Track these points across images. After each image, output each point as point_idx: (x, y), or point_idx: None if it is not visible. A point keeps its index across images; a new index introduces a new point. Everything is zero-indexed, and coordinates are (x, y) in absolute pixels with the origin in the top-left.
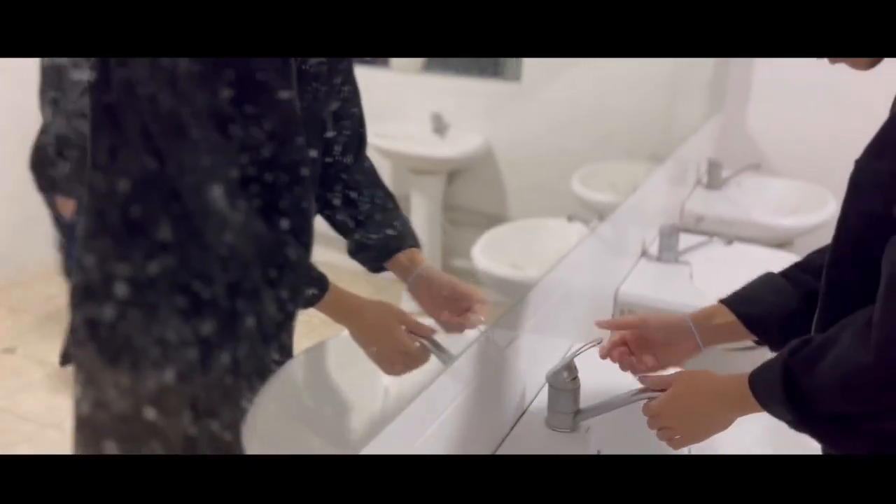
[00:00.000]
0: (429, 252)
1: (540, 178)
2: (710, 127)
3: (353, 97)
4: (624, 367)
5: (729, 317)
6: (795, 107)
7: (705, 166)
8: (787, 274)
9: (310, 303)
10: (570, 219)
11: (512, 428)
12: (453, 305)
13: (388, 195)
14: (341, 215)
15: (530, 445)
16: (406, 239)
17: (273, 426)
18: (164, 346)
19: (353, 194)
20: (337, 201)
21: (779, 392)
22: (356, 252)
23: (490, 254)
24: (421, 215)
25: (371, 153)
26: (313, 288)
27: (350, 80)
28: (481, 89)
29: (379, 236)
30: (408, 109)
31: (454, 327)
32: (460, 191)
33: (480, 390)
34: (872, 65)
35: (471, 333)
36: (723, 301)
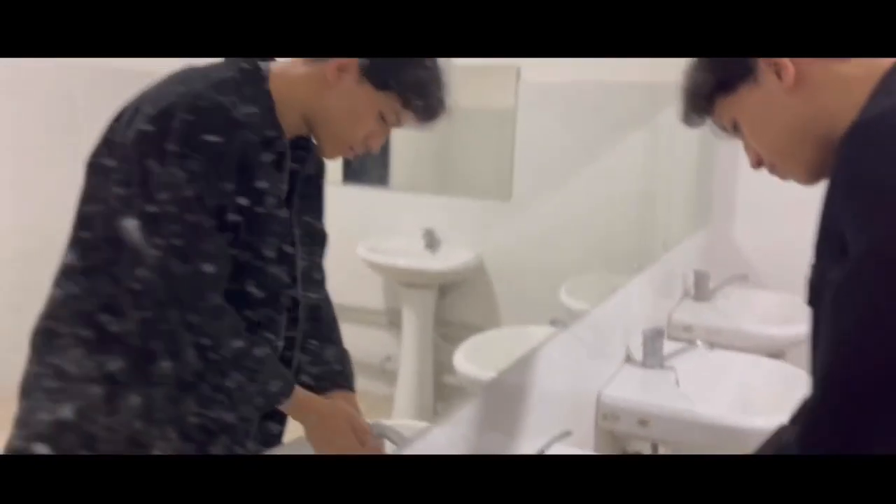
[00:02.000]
0: (420, 368)
1: (531, 290)
2: (697, 239)
3: (321, 207)
4: None
5: None
6: (781, 221)
7: (692, 278)
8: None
9: (273, 402)
10: (554, 323)
11: None
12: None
13: (335, 321)
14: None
15: None
16: (346, 379)
17: None
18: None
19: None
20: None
21: None
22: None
23: (473, 359)
24: (412, 330)
25: (363, 268)
26: (277, 386)
27: (321, 193)
28: (472, 207)
29: (320, 367)
30: (400, 226)
31: None
32: (452, 305)
33: None
34: (815, 181)
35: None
36: None
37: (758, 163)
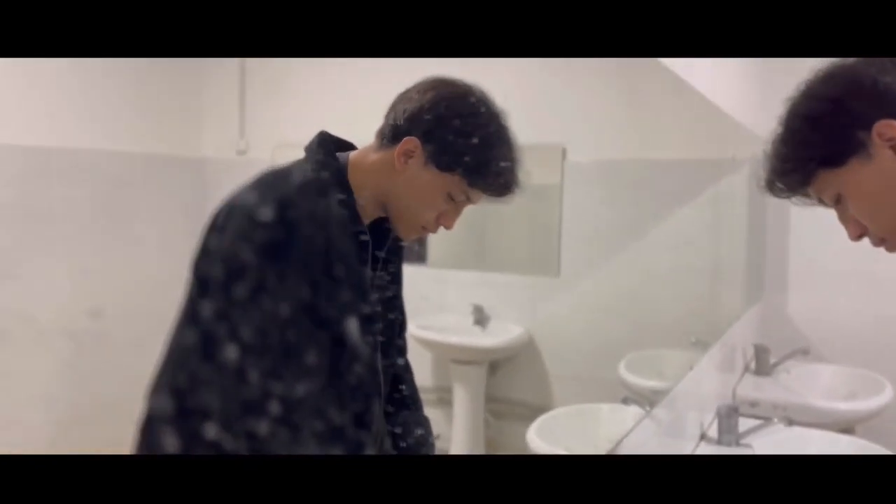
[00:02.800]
0: (471, 445)
1: (583, 367)
2: (752, 314)
3: (400, 286)
4: None
5: None
6: (834, 293)
7: (752, 352)
8: None
9: None
10: (626, 401)
11: None
12: None
13: (417, 392)
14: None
15: None
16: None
17: None
18: None
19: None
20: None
21: None
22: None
23: (545, 437)
24: (463, 407)
25: (413, 344)
26: None
27: (400, 270)
28: (520, 283)
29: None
30: (449, 303)
31: None
32: (503, 382)
33: None
34: None
35: None
36: None
37: (859, 236)
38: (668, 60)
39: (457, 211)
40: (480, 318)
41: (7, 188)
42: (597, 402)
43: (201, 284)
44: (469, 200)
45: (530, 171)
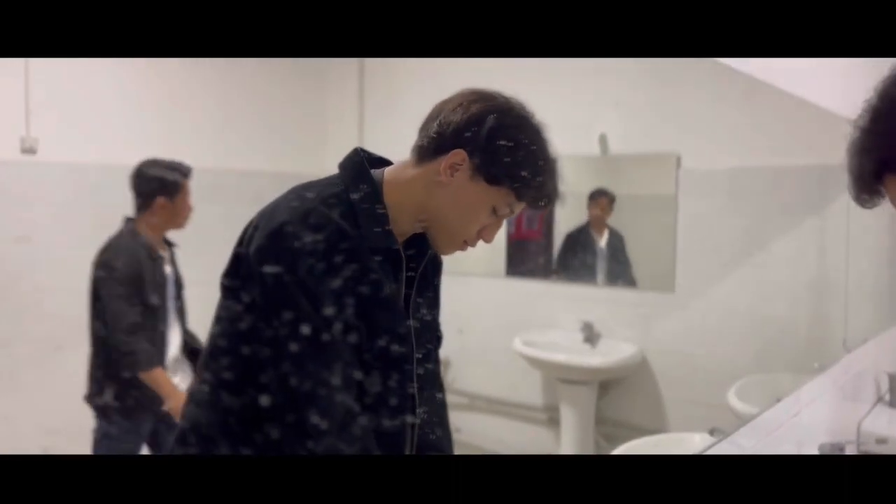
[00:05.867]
0: None
1: (700, 390)
2: (890, 337)
3: (437, 305)
4: None
5: None
6: None
7: (887, 382)
8: None
9: None
10: (713, 433)
11: None
12: None
13: (445, 406)
14: None
15: None
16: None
17: None
18: None
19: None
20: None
21: None
22: None
23: None
24: (571, 428)
25: (518, 361)
26: None
27: (437, 291)
28: (633, 299)
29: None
30: (559, 318)
31: None
32: (614, 403)
33: None
34: None
35: None
36: None
37: None
38: (782, 63)
39: (497, 224)
40: (590, 335)
41: None
42: (694, 432)
43: (223, 299)
44: (511, 213)
45: (644, 179)
